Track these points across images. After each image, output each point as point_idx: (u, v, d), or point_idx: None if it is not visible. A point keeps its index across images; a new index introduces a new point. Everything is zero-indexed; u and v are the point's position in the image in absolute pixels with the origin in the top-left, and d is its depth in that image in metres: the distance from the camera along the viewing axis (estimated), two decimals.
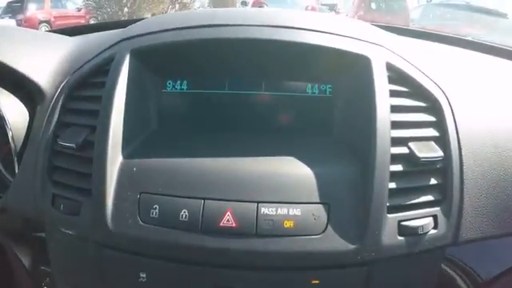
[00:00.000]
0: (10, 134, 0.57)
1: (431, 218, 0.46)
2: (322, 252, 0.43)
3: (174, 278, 0.45)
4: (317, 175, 0.45)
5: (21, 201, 0.53)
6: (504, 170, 0.49)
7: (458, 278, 0.52)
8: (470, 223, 0.47)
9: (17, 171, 0.55)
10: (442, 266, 0.49)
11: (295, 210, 0.44)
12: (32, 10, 8.57)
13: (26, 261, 0.60)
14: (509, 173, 0.49)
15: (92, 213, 0.46)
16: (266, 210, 0.43)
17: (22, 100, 0.58)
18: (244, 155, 0.47)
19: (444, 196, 0.47)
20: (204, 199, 0.44)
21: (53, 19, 8.55)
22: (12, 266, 0.63)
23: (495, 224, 0.49)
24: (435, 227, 0.46)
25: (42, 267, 0.60)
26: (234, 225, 0.43)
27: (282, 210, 0.44)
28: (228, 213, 0.44)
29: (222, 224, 0.43)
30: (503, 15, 5.52)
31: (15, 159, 0.57)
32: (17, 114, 0.57)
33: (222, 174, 0.46)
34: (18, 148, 0.56)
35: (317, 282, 0.44)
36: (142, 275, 0.46)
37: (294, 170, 0.46)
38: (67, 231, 0.49)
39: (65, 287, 0.53)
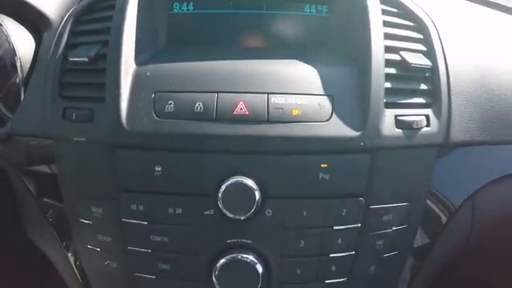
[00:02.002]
0: (18, 64, 0.58)
1: (424, 117, 0.50)
2: (329, 137, 0.46)
3: (190, 167, 0.47)
4: (320, 73, 0.49)
5: (28, 122, 0.54)
6: (487, 89, 0.55)
7: (450, 186, 0.55)
8: (459, 126, 0.52)
9: (23, 98, 0.56)
10: (436, 170, 0.52)
11: (302, 100, 0.47)
12: None
13: (30, 192, 0.59)
14: (493, 92, 0.55)
15: (106, 116, 0.48)
16: (275, 99, 0.47)
17: (28, 29, 0.59)
18: (252, 58, 0.51)
19: (434, 100, 0.51)
20: (217, 92, 0.47)
21: None
22: (16, 198, 0.62)
23: (482, 131, 0.53)
24: (428, 125, 0.50)
25: (46, 199, 0.59)
26: (246, 112, 0.46)
27: (291, 100, 0.47)
28: (241, 102, 0.46)
29: (235, 112, 0.46)
30: None
31: (22, 89, 0.57)
32: (24, 44, 0.59)
33: (233, 70, 0.49)
34: (25, 75, 0.57)
35: (325, 165, 0.47)
36: (157, 169, 0.47)
37: (299, 69, 0.50)
38: (80, 139, 0.50)
39: (74, 207, 0.53)
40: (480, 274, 0.79)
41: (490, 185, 0.56)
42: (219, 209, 0.47)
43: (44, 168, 0.58)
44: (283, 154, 0.47)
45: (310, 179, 0.47)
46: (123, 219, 0.49)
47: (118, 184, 0.49)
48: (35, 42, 0.59)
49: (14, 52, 0.58)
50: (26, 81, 0.57)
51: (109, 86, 0.48)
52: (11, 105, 0.57)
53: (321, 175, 0.47)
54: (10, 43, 0.58)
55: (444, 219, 0.55)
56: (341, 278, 0.51)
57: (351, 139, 0.47)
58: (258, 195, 0.46)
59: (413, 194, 0.51)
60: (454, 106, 0.51)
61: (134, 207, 0.48)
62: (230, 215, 0.46)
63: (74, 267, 0.60)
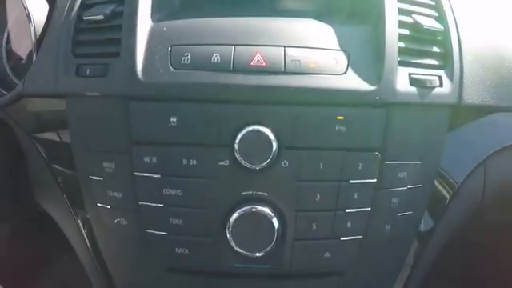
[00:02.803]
0: (32, 29, 0.58)
1: (437, 78, 0.51)
2: (345, 89, 0.47)
3: (206, 117, 0.46)
4: (335, 31, 0.50)
5: (40, 82, 0.53)
6: (498, 57, 0.55)
7: (462, 150, 0.56)
8: (471, 90, 0.52)
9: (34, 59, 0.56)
10: (449, 133, 0.53)
11: (319, 54, 0.48)
12: None
13: (40, 154, 0.58)
14: (504, 60, 0.55)
15: (121, 69, 0.48)
16: (292, 52, 0.47)
17: None
18: (269, 15, 0.52)
19: (446, 62, 0.52)
20: (234, 45, 0.47)
21: None
22: (25, 161, 0.61)
23: (494, 96, 0.54)
24: (441, 86, 0.51)
25: (56, 161, 0.58)
26: (263, 63, 0.46)
27: (307, 53, 0.47)
28: (258, 54, 0.47)
29: (252, 63, 0.46)
30: None
31: (34, 55, 0.57)
32: (39, 8, 0.59)
33: (249, 25, 0.49)
34: (37, 40, 0.57)
35: (341, 118, 0.47)
36: (172, 120, 0.47)
37: (315, 26, 0.50)
38: (94, 93, 0.49)
39: (85, 165, 0.52)
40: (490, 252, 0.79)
41: (501, 151, 0.56)
42: (235, 159, 0.46)
43: (55, 129, 0.57)
44: (300, 105, 0.47)
45: (326, 131, 0.47)
46: (136, 173, 0.48)
47: (132, 136, 0.48)
48: (49, 6, 0.60)
49: (28, 17, 0.58)
50: (38, 47, 0.57)
51: (124, 39, 0.49)
52: (22, 73, 0.57)
53: (337, 127, 0.47)
54: (25, 8, 0.59)
55: (457, 183, 0.55)
56: (356, 235, 0.50)
57: (367, 93, 0.47)
58: (274, 145, 0.46)
59: (427, 153, 0.51)
60: (465, 70, 0.52)
61: (147, 160, 0.48)
62: (246, 165, 0.46)
63: (83, 231, 0.59)
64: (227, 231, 0.48)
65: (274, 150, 0.46)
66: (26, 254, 0.89)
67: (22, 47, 0.62)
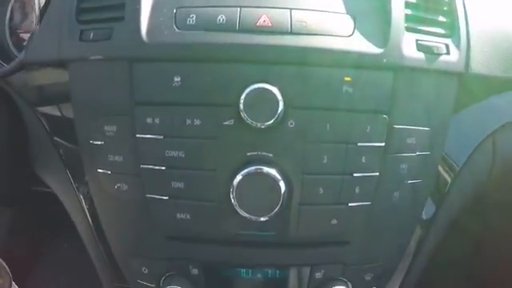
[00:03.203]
0: (36, 2, 0.58)
1: (443, 45, 0.50)
2: (351, 51, 0.46)
3: (210, 77, 0.45)
4: None
5: (42, 49, 0.53)
6: (505, 32, 0.55)
7: (471, 121, 0.55)
8: (478, 60, 0.52)
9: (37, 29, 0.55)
10: (458, 104, 0.52)
11: (325, 16, 0.47)
12: None
13: (42, 124, 0.57)
14: (510, 34, 0.55)
15: (125, 32, 0.47)
16: (298, 14, 0.47)
17: None
18: None
19: (452, 32, 0.51)
20: (240, 7, 0.47)
21: None
22: (26, 132, 0.60)
23: (501, 67, 0.54)
24: (448, 53, 0.50)
25: (57, 130, 0.57)
26: (269, 24, 0.46)
27: (313, 15, 0.47)
28: (264, 15, 0.46)
29: (258, 24, 0.46)
30: None
31: (38, 26, 0.57)
32: None
33: None
34: (41, 7, 0.57)
35: (348, 79, 0.46)
36: (176, 79, 0.46)
37: None
38: (97, 57, 0.49)
39: (86, 130, 0.51)
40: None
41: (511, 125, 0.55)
42: (240, 117, 0.45)
43: (56, 99, 0.56)
44: (306, 65, 0.46)
45: (333, 91, 0.46)
46: (138, 135, 0.47)
47: (135, 97, 0.47)
48: None
49: None
50: (41, 19, 0.57)
51: (128, 3, 0.48)
52: (24, 48, 0.57)
53: (344, 88, 0.46)
54: None
55: (466, 154, 0.54)
56: (364, 201, 0.48)
57: (373, 55, 0.46)
58: (280, 104, 0.45)
59: (435, 120, 0.50)
60: (472, 40, 0.52)
61: (149, 121, 0.46)
62: (252, 123, 0.45)
63: (83, 201, 0.57)
64: (231, 194, 0.46)
65: (280, 109, 0.45)
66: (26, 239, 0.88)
67: (25, 22, 0.62)
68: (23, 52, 0.55)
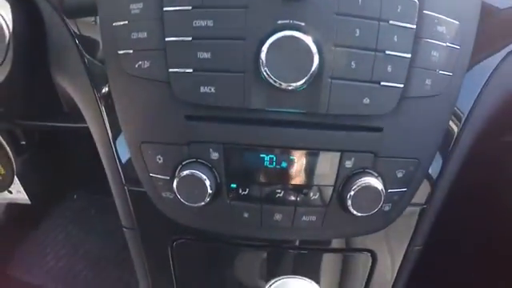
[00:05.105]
0: None
1: None
2: None
3: None
4: None
5: None
6: None
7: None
8: None
9: None
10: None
11: None
12: None
13: (68, 30, 0.55)
14: None
15: None
16: None
17: None
18: None
19: None
20: None
21: None
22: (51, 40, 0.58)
23: None
24: None
25: (76, 31, 0.56)
26: None
27: None
28: None
29: None
30: None
31: None
32: None
33: None
34: None
35: None
36: None
37: None
38: None
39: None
40: None
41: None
42: None
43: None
44: None
45: None
46: (165, 8, 0.46)
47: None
48: None
49: None
50: None
51: None
52: None
53: None
54: None
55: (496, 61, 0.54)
56: (397, 82, 0.46)
57: None
58: None
59: (464, 15, 0.49)
60: None
61: None
62: None
63: (100, 98, 0.55)
64: (260, 59, 0.44)
65: None
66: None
67: None
68: None
